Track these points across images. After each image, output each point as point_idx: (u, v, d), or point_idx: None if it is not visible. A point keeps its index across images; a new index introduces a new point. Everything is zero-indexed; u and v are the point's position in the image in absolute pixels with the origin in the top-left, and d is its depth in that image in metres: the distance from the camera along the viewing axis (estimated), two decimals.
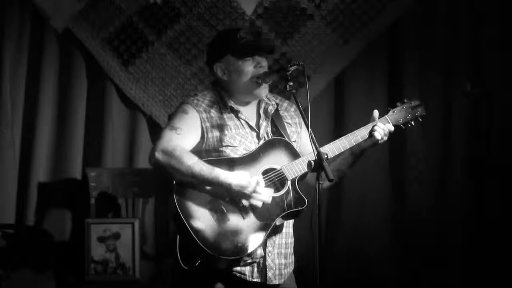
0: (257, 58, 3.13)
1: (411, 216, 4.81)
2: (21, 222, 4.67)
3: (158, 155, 3.00)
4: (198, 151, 3.08)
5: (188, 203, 3.00)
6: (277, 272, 3.12)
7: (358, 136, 3.14)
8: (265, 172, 3.07)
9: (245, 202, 3.01)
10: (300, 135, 3.24)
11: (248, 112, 3.18)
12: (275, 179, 3.07)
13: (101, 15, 4.75)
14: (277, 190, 3.07)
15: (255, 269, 3.09)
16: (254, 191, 2.99)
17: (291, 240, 3.19)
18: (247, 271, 3.08)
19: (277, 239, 3.13)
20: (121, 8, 4.75)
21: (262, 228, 3.03)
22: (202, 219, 2.99)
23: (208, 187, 3.01)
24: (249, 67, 3.13)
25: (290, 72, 3.05)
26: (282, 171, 3.07)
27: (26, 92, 4.73)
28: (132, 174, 4.69)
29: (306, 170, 2.96)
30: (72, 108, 4.75)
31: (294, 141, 3.18)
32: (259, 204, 3.01)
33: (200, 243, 2.95)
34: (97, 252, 4.46)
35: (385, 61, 4.88)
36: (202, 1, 4.78)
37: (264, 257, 3.09)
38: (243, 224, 3.01)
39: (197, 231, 2.96)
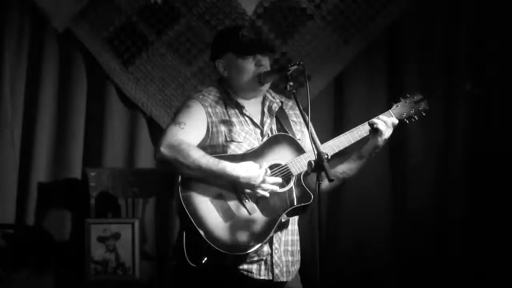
0: (258, 57, 3.14)
1: (411, 216, 4.81)
2: (21, 222, 4.66)
3: (164, 150, 2.99)
4: (203, 147, 3.07)
5: (194, 199, 2.99)
6: (284, 269, 3.12)
7: (362, 131, 3.15)
8: (270, 168, 3.06)
9: (255, 193, 3.00)
10: (304, 134, 3.24)
11: (253, 108, 3.19)
12: (280, 175, 3.07)
13: (101, 15, 4.75)
14: (282, 186, 3.07)
15: (262, 267, 3.08)
16: (263, 181, 2.99)
17: (297, 237, 3.19)
18: (254, 269, 3.07)
19: (283, 236, 3.12)
20: (121, 8, 4.75)
21: (268, 224, 3.02)
22: (209, 215, 2.98)
23: (214, 183, 3.00)
24: (250, 65, 3.14)
25: (290, 72, 3.06)
26: (288, 167, 3.07)
27: (26, 92, 4.72)
28: (132, 174, 4.69)
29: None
30: (72, 108, 4.75)
31: (299, 139, 3.19)
32: (267, 194, 3.01)
33: (207, 240, 2.94)
34: (97, 252, 4.45)
35: (385, 61, 4.88)
36: (202, 1, 4.78)
37: (271, 255, 3.09)
38: (250, 221, 3.01)
39: (204, 228, 2.95)
